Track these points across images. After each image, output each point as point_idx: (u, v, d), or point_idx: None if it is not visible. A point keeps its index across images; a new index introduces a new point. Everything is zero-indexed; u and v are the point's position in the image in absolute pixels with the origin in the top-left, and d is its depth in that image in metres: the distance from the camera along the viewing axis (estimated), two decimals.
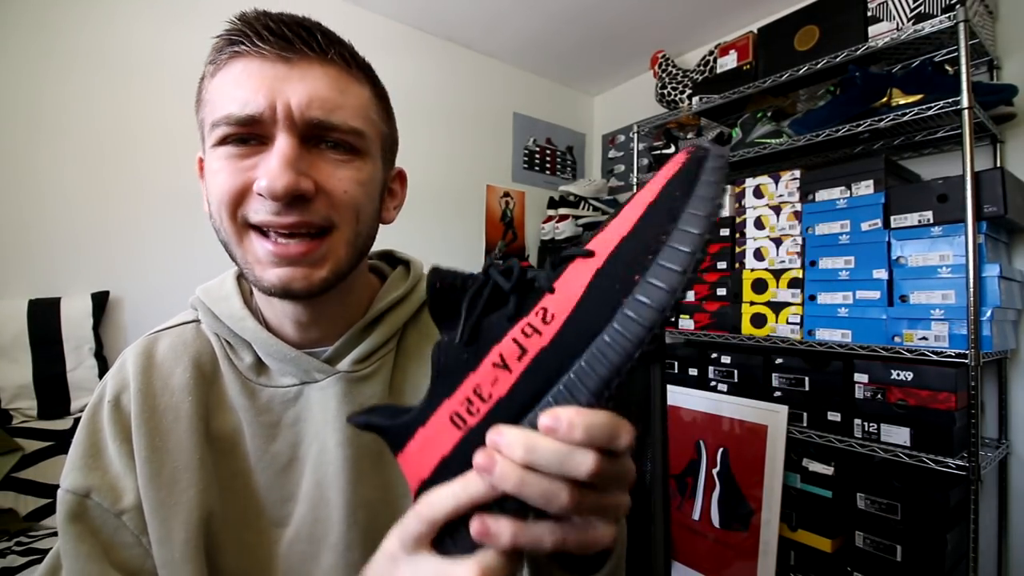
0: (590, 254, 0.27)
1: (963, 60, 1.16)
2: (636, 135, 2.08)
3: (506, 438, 0.25)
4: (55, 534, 1.19)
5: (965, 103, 1.16)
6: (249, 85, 0.37)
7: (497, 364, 0.27)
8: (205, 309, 0.47)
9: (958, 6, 1.20)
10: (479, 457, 0.25)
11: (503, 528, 0.25)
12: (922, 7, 1.31)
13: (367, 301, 0.49)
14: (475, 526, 0.26)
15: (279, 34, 0.37)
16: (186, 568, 0.39)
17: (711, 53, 1.90)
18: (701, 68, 1.94)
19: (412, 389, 0.48)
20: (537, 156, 2.58)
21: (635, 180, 2.05)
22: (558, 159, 2.66)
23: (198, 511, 0.40)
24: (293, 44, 0.37)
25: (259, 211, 0.37)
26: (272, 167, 0.36)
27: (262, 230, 0.39)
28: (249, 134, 0.38)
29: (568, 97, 2.73)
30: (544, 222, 2.40)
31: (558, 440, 0.24)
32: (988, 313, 1.15)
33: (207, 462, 0.42)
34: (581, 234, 2.33)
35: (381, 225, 0.47)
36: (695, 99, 1.83)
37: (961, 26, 1.18)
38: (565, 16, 2.06)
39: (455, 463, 0.27)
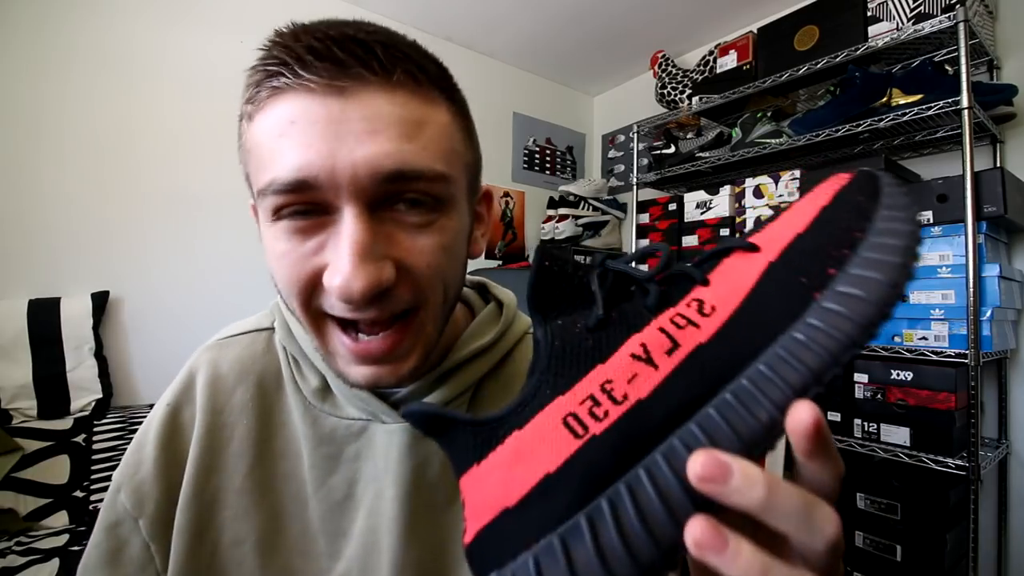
0: (753, 247, 0.23)
1: (963, 60, 1.16)
2: (636, 135, 2.08)
3: (741, 465, 0.18)
4: (55, 534, 1.19)
5: (965, 103, 1.16)
6: (297, 138, 0.29)
7: (638, 356, 0.21)
8: (282, 321, 0.43)
9: (958, 6, 1.20)
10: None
11: None
12: (922, 7, 1.31)
13: (450, 339, 0.43)
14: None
15: (328, 56, 0.29)
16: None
17: (711, 53, 1.90)
18: (701, 68, 1.94)
19: None
20: (537, 156, 2.58)
21: (635, 180, 2.05)
22: (558, 159, 2.66)
23: (229, 533, 0.40)
24: (347, 67, 0.29)
25: (335, 307, 0.32)
26: (344, 265, 0.29)
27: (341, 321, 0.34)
28: (306, 204, 0.31)
29: (568, 97, 2.73)
30: (544, 222, 2.40)
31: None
32: (988, 313, 1.15)
33: (257, 484, 0.41)
34: (581, 234, 2.33)
35: None
36: (695, 99, 1.84)
37: (961, 26, 1.18)
38: (565, 16, 2.06)
39: (566, 483, 0.19)
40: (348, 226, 0.30)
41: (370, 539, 0.39)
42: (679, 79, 1.99)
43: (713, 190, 1.74)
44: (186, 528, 0.39)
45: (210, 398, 0.42)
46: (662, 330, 0.21)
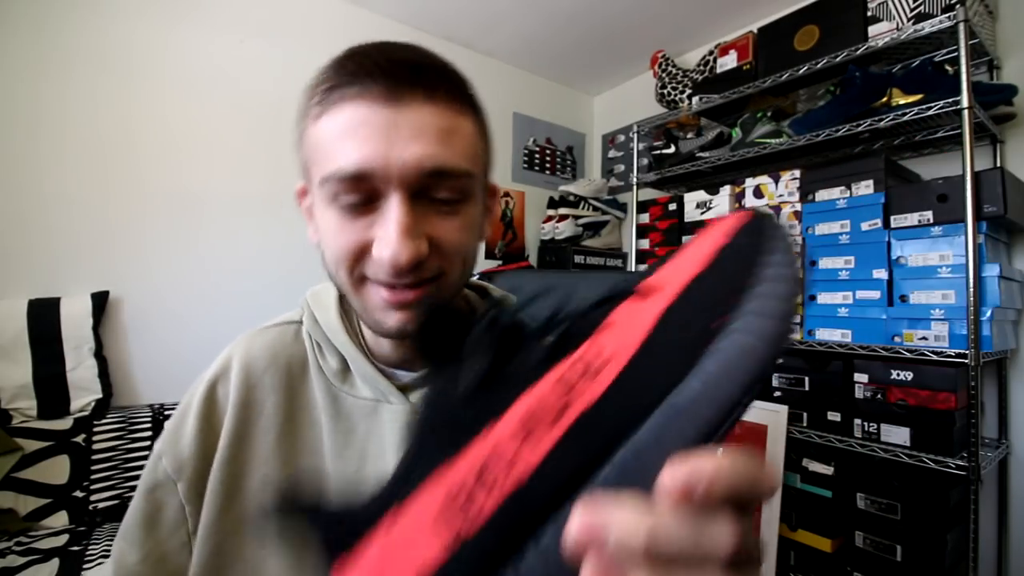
0: (647, 292, 0.22)
1: (963, 60, 1.16)
2: (636, 135, 2.08)
3: (616, 518, 0.17)
4: (55, 534, 1.19)
5: (965, 103, 1.16)
6: (359, 137, 0.36)
7: (517, 432, 0.19)
8: (309, 312, 0.50)
9: (958, 6, 1.20)
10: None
11: None
12: (922, 7, 1.31)
13: None
14: None
15: (389, 73, 0.36)
16: (234, 538, 0.44)
17: (711, 53, 1.90)
18: (701, 68, 1.94)
19: None
20: (537, 156, 2.58)
21: (635, 180, 2.05)
22: (558, 159, 2.66)
23: (255, 497, 0.45)
24: (400, 85, 0.36)
25: (378, 273, 0.39)
26: (392, 237, 0.36)
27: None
28: (360, 191, 0.37)
29: (568, 97, 2.73)
30: (544, 222, 2.40)
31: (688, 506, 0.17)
32: (988, 313, 1.15)
33: (282, 454, 0.46)
34: (581, 234, 2.33)
35: None
36: (695, 99, 1.84)
37: (961, 26, 1.18)
38: (565, 16, 2.06)
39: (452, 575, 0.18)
40: (396, 210, 0.37)
41: None
42: (679, 79, 1.99)
43: (713, 190, 1.74)
44: (218, 491, 0.45)
45: (244, 377, 0.48)
46: (542, 399, 0.20)
